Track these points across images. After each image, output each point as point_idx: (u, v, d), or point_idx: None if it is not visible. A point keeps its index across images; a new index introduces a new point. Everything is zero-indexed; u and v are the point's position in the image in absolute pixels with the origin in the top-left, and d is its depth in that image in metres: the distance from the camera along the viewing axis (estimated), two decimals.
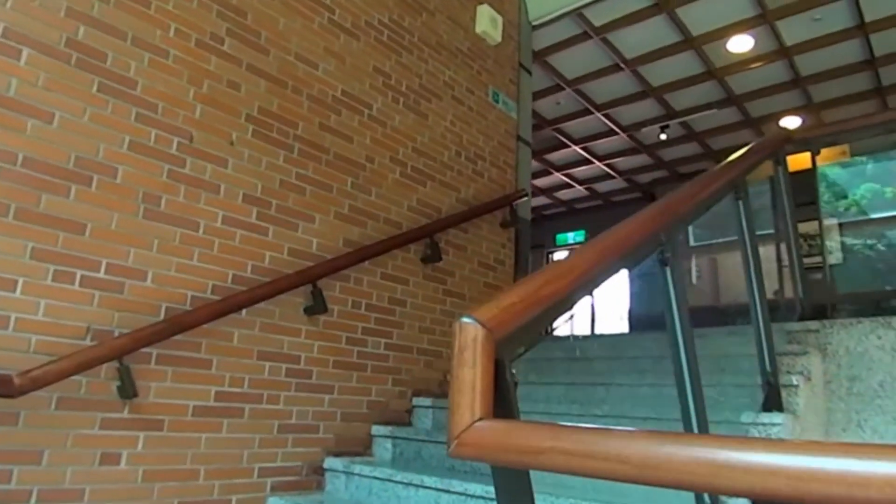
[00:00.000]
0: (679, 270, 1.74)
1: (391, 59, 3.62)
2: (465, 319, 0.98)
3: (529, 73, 4.94)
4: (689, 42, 5.65)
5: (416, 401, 3.35)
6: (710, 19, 5.33)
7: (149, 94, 2.46)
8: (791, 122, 7.33)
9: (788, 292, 3.31)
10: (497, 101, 4.47)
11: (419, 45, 3.84)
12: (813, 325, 3.07)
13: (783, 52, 5.76)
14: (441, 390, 3.56)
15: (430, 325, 3.58)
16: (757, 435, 2.31)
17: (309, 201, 3.03)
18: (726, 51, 5.81)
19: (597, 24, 5.40)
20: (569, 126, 7.47)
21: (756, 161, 2.66)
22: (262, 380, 2.70)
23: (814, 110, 6.90)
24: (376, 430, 3.11)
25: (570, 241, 10.85)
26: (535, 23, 5.04)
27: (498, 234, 4.25)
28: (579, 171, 9.04)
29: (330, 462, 2.86)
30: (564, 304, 1.20)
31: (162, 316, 2.38)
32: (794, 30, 5.40)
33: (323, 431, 2.91)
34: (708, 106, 6.87)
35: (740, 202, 2.43)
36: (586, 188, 9.76)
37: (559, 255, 11.05)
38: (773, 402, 2.43)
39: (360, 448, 3.06)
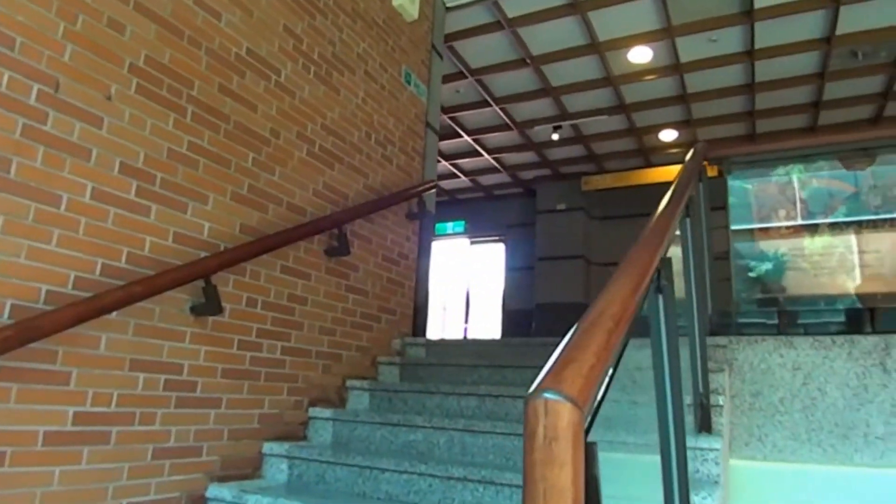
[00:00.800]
0: (672, 299, 1.57)
1: (304, 21, 3.16)
2: (552, 396, 0.69)
3: (441, 56, 4.66)
4: (594, 46, 5.66)
5: (313, 411, 2.97)
6: (617, 27, 5.37)
7: (4, 24, 1.85)
8: (668, 135, 7.74)
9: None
10: (409, 83, 4.15)
11: (334, 10, 3.40)
12: (721, 340, 3.12)
13: (676, 68, 5.98)
14: (339, 397, 3.21)
15: (331, 325, 3.20)
16: (693, 460, 2.25)
17: (202, 177, 2.53)
18: (626, 60, 5.91)
19: (510, 15, 5.23)
20: (465, 116, 7.30)
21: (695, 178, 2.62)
22: (135, 395, 2.19)
23: (691, 126, 7.32)
24: (269, 447, 2.69)
25: (449, 231, 10.77)
26: (449, 4, 4.77)
27: (403, 225, 3.95)
28: (467, 161, 8.94)
29: (214, 490, 2.41)
30: (618, 352, 0.95)
31: (6, 315, 1.81)
32: (690, 48, 5.61)
33: (207, 453, 2.45)
34: (599, 111, 7.02)
35: (688, 219, 2.35)
36: (471, 179, 9.69)
37: (438, 245, 10.96)
38: (705, 423, 2.39)
39: (250, 470, 2.64)
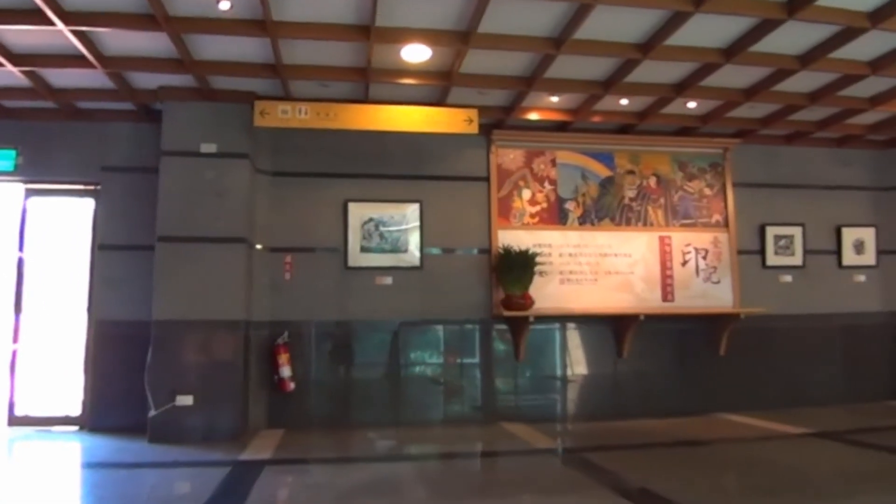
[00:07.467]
0: None
1: None
2: None
3: None
4: None
5: None
6: None
7: None
8: (414, 53, 4.64)
9: None
10: None
11: None
12: None
13: None
14: None
15: None
16: None
17: None
18: None
19: None
20: None
21: None
22: None
23: (467, 45, 4.35)
24: None
25: None
26: None
27: None
28: (20, 31, 4.27)
29: None
30: None
31: None
32: None
33: None
34: None
35: None
36: (27, 73, 4.91)
37: None
38: None
39: None
